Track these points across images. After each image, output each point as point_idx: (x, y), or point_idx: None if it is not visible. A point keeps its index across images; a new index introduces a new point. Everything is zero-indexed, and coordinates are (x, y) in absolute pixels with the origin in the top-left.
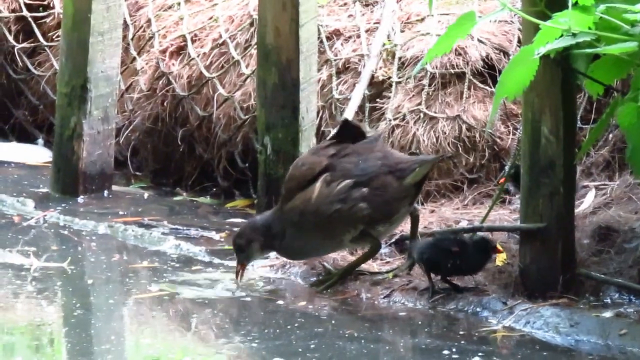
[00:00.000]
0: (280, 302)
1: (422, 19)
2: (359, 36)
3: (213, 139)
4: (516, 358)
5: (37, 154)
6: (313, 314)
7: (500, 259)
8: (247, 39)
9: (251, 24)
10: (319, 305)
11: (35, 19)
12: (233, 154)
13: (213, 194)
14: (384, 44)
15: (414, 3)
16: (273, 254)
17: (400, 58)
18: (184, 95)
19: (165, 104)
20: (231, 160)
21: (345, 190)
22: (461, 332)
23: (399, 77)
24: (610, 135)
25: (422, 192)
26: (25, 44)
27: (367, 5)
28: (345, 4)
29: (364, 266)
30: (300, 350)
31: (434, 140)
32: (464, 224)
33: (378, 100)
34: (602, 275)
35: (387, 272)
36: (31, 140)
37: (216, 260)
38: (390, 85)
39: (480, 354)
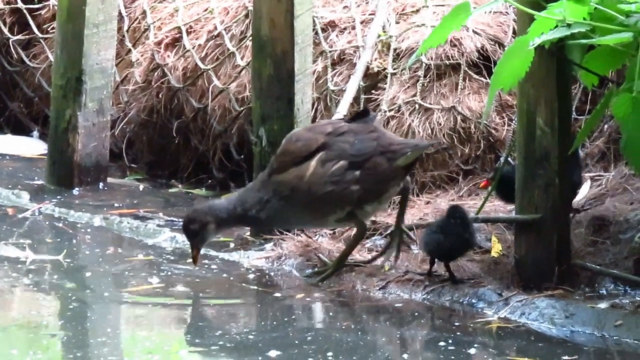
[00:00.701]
0: (277, 294)
1: (417, 10)
2: (354, 28)
3: (208, 130)
4: (512, 349)
5: (32, 146)
6: (309, 306)
7: (495, 250)
8: (242, 30)
9: (246, 16)
10: (316, 298)
11: (30, 11)
12: (228, 145)
13: (208, 186)
14: (379, 36)
15: None
16: (269, 246)
17: (395, 49)
18: (179, 87)
19: (160, 95)
20: (226, 152)
21: (340, 172)
22: (457, 324)
23: (394, 69)
24: (606, 126)
25: (418, 184)
26: (20, 36)
27: None
28: None
29: (358, 257)
30: (297, 342)
31: (429, 131)
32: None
33: (373, 91)
34: (598, 267)
35: (378, 260)
36: (26, 132)
37: (211, 252)
38: (386, 77)
39: (476, 345)
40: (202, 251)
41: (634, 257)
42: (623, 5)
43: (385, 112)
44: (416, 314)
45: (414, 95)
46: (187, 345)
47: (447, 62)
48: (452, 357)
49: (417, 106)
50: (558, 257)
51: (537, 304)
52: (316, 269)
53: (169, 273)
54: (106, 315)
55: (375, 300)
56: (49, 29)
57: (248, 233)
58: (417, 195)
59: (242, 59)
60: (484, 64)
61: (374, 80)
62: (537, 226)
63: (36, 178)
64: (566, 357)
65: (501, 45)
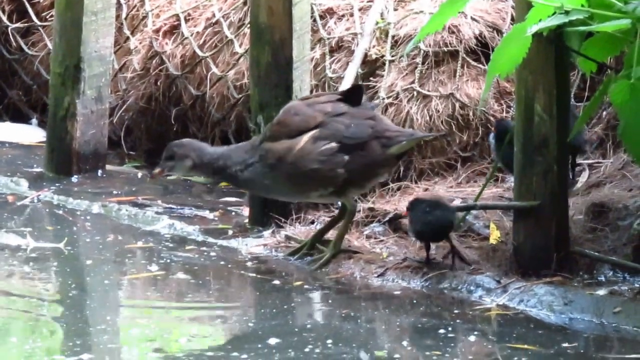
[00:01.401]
0: (276, 282)
1: None
2: (352, 15)
3: (207, 118)
4: (511, 337)
5: (31, 134)
6: (308, 293)
7: (494, 237)
8: (240, 17)
9: (244, 3)
10: (314, 285)
11: None
12: (227, 133)
13: None
14: (377, 23)
15: None
16: (267, 233)
17: (393, 36)
18: (178, 75)
19: (158, 83)
20: (225, 139)
21: (329, 152)
22: (456, 311)
23: (392, 56)
24: (604, 113)
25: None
26: (18, 24)
27: None
28: None
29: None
30: (296, 330)
31: (428, 118)
32: (457, 202)
33: (371, 78)
34: (596, 253)
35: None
36: (25, 120)
37: (210, 240)
38: (384, 64)
39: (475, 332)
40: (201, 238)
41: (632, 243)
42: None
43: (383, 99)
44: (415, 301)
45: (412, 82)
46: (187, 333)
47: (445, 49)
48: (452, 345)
49: (415, 93)
50: (557, 244)
51: (535, 291)
52: (315, 256)
53: (168, 260)
54: (106, 302)
55: (373, 287)
56: (47, 17)
57: (247, 220)
58: (416, 182)
59: (240, 46)
60: (482, 50)
61: (372, 67)
62: (535, 213)
63: (35, 166)
64: (566, 344)
65: (499, 32)
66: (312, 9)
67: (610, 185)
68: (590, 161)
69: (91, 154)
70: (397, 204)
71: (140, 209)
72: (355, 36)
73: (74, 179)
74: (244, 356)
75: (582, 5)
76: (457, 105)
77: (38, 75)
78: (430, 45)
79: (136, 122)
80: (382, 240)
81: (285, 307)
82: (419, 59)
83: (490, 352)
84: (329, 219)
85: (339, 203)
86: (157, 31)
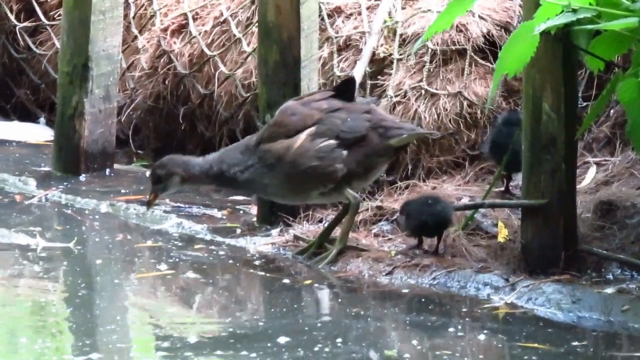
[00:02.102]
0: (285, 280)
1: None
2: (360, 13)
3: (215, 116)
4: (521, 335)
5: (39, 133)
6: (317, 292)
7: (502, 235)
8: (248, 16)
9: (252, 2)
10: (323, 284)
11: None
12: (235, 131)
13: None
14: (385, 21)
15: None
16: (275, 232)
17: (401, 35)
18: (186, 74)
19: (166, 82)
20: (233, 138)
21: (327, 149)
22: (464, 309)
23: (400, 54)
24: (612, 111)
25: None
26: (26, 23)
27: None
28: None
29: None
30: (306, 328)
31: (435, 116)
32: (465, 201)
33: (379, 77)
34: (604, 251)
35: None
36: (33, 119)
37: (218, 239)
38: (392, 62)
39: (485, 331)
40: (209, 237)
41: None
42: None
43: (391, 97)
44: (423, 299)
45: (420, 80)
46: (196, 332)
47: (453, 47)
48: (462, 344)
49: (423, 92)
50: (565, 242)
51: (543, 289)
52: (322, 255)
53: (177, 259)
54: (115, 302)
55: (382, 285)
56: (55, 16)
57: (255, 219)
58: (424, 181)
59: (248, 45)
60: (490, 49)
61: (380, 65)
62: (543, 211)
63: (43, 165)
64: (575, 343)
65: (507, 30)
66: (320, 7)
67: (618, 183)
68: (598, 159)
69: (99, 152)
70: None
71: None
72: (363, 35)
73: (82, 178)
74: (254, 355)
75: (590, 4)
76: (465, 103)
77: (46, 74)
78: (438, 44)
79: (144, 121)
80: (390, 239)
81: (294, 305)
82: (427, 58)
83: (500, 352)
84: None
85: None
86: (165, 30)
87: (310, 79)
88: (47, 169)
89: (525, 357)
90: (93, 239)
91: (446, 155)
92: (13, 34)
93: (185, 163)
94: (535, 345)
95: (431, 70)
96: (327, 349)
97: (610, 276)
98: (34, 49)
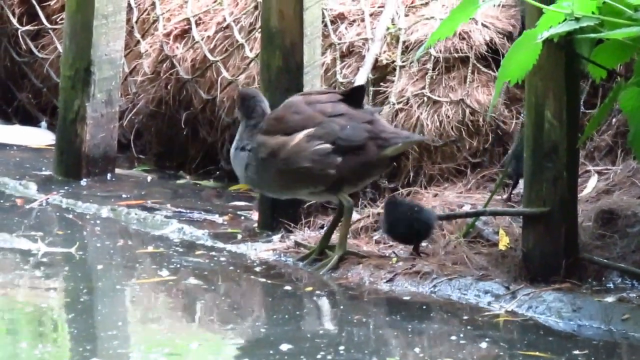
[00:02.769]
0: (287, 287)
1: (427, 3)
2: (363, 20)
3: (217, 122)
4: (522, 343)
5: (40, 137)
6: (319, 299)
7: (503, 243)
8: (251, 22)
9: (255, 7)
10: (325, 291)
11: (39, 1)
12: None
13: (216, 177)
14: (388, 28)
15: None
16: (276, 238)
17: (404, 42)
18: (188, 79)
19: (169, 87)
20: None
21: (322, 153)
22: (465, 317)
23: (403, 61)
24: (614, 120)
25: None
26: (29, 27)
27: None
28: None
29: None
30: (308, 336)
31: (438, 124)
32: (467, 208)
33: (382, 84)
34: (605, 260)
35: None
36: (34, 123)
37: (219, 244)
38: (394, 69)
39: (487, 339)
40: (210, 243)
41: None
42: (632, 0)
43: (393, 104)
44: (424, 307)
45: (423, 88)
46: (198, 339)
47: (456, 55)
48: (465, 352)
49: (425, 99)
50: (566, 250)
51: (544, 297)
52: (323, 262)
53: (178, 265)
54: (117, 308)
55: (383, 293)
56: (57, 20)
57: (256, 225)
58: (425, 188)
59: (251, 50)
60: (492, 57)
61: (382, 72)
62: (545, 219)
63: (44, 169)
64: (577, 352)
65: (510, 38)
66: (323, 14)
67: (620, 192)
68: (599, 168)
69: (101, 157)
70: None
71: (150, 213)
72: (366, 41)
73: (83, 182)
74: None
75: (593, 13)
76: (468, 111)
77: (48, 78)
78: (441, 51)
79: (146, 126)
80: (391, 246)
81: (296, 312)
82: (429, 65)
83: None
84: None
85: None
86: (167, 35)
87: (313, 85)
88: (48, 173)
89: None
90: (94, 244)
91: (448, 163)
92: (15, 37)
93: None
94: (537, 353)
95: (434, 77)
96: (329, 357)
97: (611, 285)
98: (36, 52)
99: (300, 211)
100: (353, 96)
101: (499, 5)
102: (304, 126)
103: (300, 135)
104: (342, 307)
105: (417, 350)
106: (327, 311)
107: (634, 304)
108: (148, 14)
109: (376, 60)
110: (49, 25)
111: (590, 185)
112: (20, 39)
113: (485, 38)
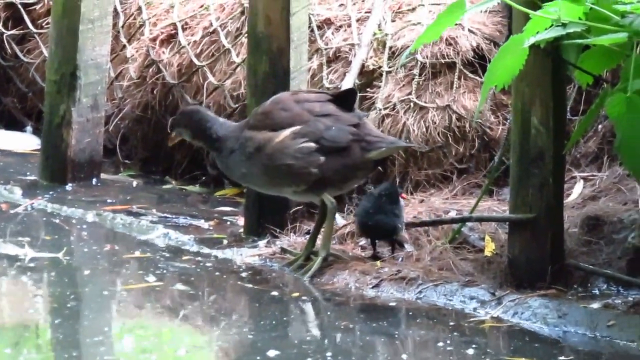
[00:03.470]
0: (274, 293)
1: (413, 9)
2: (349, 25)
3: None
4: (509, 350)
5: (26, 142)
6: (306, 305)
7: (489, 249)
8: (237, 27)
9: (242, 12)
10: (312, 296)
11: (25, 5)
12: None
13: (202, 183)
14: (374, 34)
15: None
16: (262, 243)
17: (391, 47)
18: (174, 84)
19: (155, 92)
20: None
21: (305, 151)
22: (452, 323)
23: (390, 67)
24: (600, 126)
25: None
26: (14, 31)
27: None
28: None
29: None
30: (296, 342)
31: (424, 129)
32: (453, 214)
33: (368, 89)
34: (591, 266)
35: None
36: (20, 127)
37: (205, 250)
38: (381, 75)
39: (474, 345)
40: (196, 248)
41: (627, 257)
42: (618, 6)
43: (380, 110)
44: (410, 313)
45: (409, 93)
46: (185, 345)
47: (443, 60)
48: (451, 358)
49: (412, 104)
50: (551, 256)
51: (530, 303)
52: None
53: (165, 271)
54: (104, 313)
55: (368, 298)
56: (43, 24)
57: (242, 230)
58: (412, 194)
59: (237, 55)
60: (479, 62)
61: (369, 78)
62: (531, 225)
63: (29, 173)
64: (562, 358)
65: (497, 44)
66: (310, 19)
67: (606, 198)
68: (585, 174)
69: (86, 162)
70: None
71: (135, 218)
72: (352, 47)
73: (69, 187)
74: None
75: (580, 18)
76: (454, 117)
77: (33, 82)
78: (427, 57)
79: (132, 131)
80: (377, 252)
81: (283, 318)
82: (416, 71)
83: None
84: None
85: None
86: (154, 40)
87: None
88: (33, 178)
89: None
90: (81, 249)
91: (434, 169)
92: (0, 41)
93: (205, 120)
94: (523, 359)
95: (420, 83)
96: None
97: (597, 291)
98: (22, 57)
99: (286, 216)
100: (344, 99)
101: (485, 11)
102: (290, 123)
103: (286, 132)
104: (328, 313)
105: (404, 356)
106: (314, 317)
107: (620, 310)
108: (134, 19)
109: (363, 66)
110: (34, 30)
111: (576, 192)
112: (6, 43)
113: (471, 44)
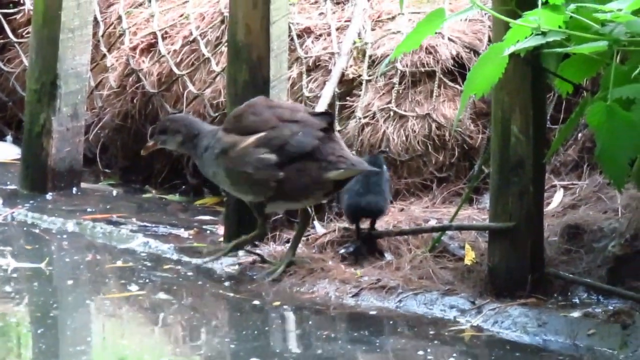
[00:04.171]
0: (255, 302)
1: (393, 18)
2: (329, 34)
3: None
4: (489, 358)
5: (6, 151)
6: (288, 314)
7: (469, 257)
8: (217, 36)
9: (222, 22)
10: (293, 305)
11: (5, 15)
12: None
13: (182, 192)
14: (354, 42)
15: (384, 1)
16: (242, 252)
17: (370, 56)
18: (154, 93)
19: (135, 101)
20: None
21: (265, 163)
22: (432, 332)
23: (369, 76)
24: (580, 135)
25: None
26: None
27: (338, 4)
28: (316, 2)
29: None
30: (278, 351)
31: (404, 138)
32: (433, 223)
33: (348, 98)
34: (571, 275)
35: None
36: (0, 136)
37: (185, 258)
38: (361, 84)
39: (454, 355)
40: (176, 257)
41: (607, 265)
42: (598, 14)
43: (360, 119)
44: (391, 322)
45: (389, 102)
46: (167, 354)
47: (422, 69)
48: None
49: (391, 113)
50: (531, 265)
51: (510, 312)
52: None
53: (147, 280)
54: (86, 323)
55: (349, 307)
56: (24, 34)
57: (222, 239)
58: (391, 202)
59: (217, 64)
60: (459, 71)
61: (349, 86)
62: (511, 234)
63: (8, 183)
64: None
65: (477, 53)
66: (289, 28)
67: (586, 207)
68: (565, 182)
69: (66, 171)
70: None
71: (115, 227)
72: (332, 56)
73: (49, 196)
74: None
75: (560, 27)
76: (434, 125)
77: (13, 91)
78: (407, 66)
79: (112, 140)
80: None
81: (265, 328)
82: (396, 79)
83: None
84: (304, 239)
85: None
86: (134, 49)
87: (280, 99)
88: (13, 187)
89: None
90: (63, 259)
91: (414, 177)
92: None
93: (193, 127)
94: None
95: (400, 92)
96: None
97: (577, 300)
98: (2, 66)
99: (266, 225)
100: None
101: (465, 20)
102: (257, 128)
103: (250, 139)
104: (310, 322)
105: None
106: (296, 326)
107: (600, 319)
108: (114, 28)
109: (342, 75)
110: (15, 39)
111: (556, 200)
112: None
113: (451, 52)
